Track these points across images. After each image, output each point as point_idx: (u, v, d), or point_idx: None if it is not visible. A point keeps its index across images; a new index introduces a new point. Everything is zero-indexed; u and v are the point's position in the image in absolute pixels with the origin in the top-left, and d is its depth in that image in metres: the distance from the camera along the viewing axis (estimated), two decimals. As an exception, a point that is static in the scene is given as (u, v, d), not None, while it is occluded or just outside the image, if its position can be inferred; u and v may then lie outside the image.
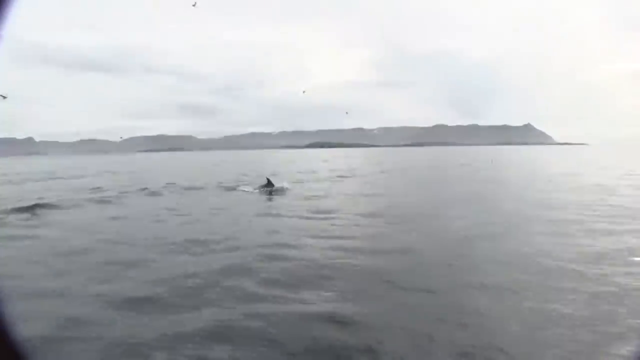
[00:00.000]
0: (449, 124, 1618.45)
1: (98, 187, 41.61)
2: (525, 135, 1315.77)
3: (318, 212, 24.74)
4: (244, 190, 36.39)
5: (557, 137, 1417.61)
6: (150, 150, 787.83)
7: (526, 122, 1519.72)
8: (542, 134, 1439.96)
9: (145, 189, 38.65)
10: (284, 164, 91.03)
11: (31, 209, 26.76)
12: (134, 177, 58.96)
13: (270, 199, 31.86)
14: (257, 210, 26.20)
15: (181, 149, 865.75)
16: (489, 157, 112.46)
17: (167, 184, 43.86)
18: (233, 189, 38.23)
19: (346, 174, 56.79)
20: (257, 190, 35.48)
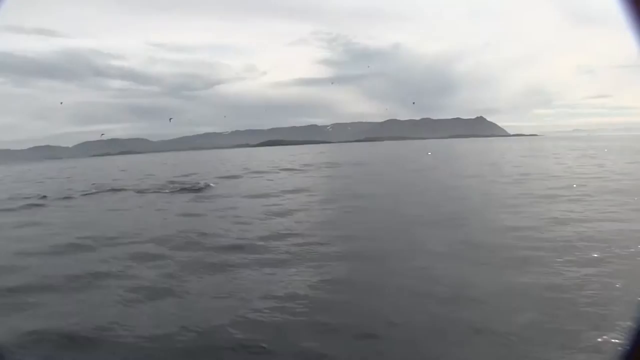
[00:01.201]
0: (402, 119, 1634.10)
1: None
2: (478, 128, 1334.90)
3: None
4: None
5: (509, 130, 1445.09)
6: (104, 155, 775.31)
7: (478, 115, 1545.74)
8: (494, 126, 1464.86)
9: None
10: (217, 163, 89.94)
11: None
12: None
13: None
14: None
15: (135, 152, 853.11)
16: (430, 150, 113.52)
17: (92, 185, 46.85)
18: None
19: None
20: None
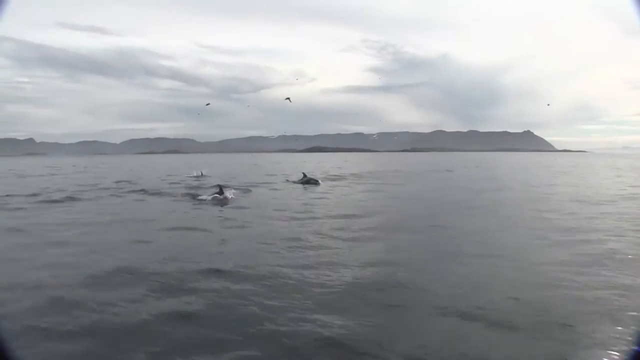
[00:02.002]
0: (448, 130, 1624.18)
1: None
2: (525, 142, 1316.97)
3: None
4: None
5: (556, 145, 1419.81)
6: (149, 153, 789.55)
7: (526, 129, 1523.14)
8: (542, 140, 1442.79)
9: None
10: (262, 168, 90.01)
11: None
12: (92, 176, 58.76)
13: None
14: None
15: (180, 152, 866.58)
16: (475, 163, 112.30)
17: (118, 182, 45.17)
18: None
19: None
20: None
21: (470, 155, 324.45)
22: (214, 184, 35.33)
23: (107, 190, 36.87)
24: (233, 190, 31.31)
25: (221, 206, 26.09)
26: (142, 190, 35.84)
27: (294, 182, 42.26)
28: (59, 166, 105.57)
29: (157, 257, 13.58)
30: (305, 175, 42.08)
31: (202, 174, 51.88)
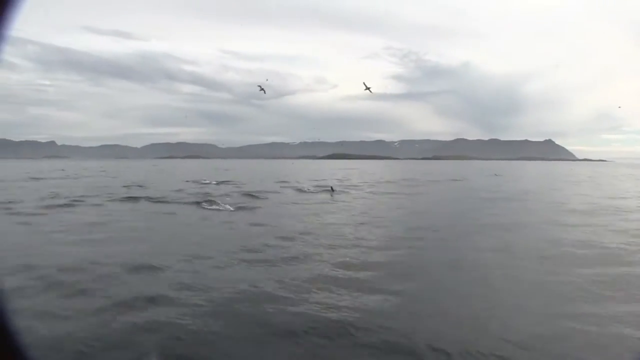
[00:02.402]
0: (469, 138, 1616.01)
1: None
2: (546, 151, 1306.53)
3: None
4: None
5: (577, 154, 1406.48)
6: (170, 157, 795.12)
7: (547, 138, 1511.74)
8: (563, 150, 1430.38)
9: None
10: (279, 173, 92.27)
11: None
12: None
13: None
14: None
15: (201, 157, 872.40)
16: (495, 171, 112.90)
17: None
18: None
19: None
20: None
21: (490, 163, 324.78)
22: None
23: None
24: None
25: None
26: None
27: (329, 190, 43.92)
28: (74, 169, 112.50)
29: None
30: (332, 189, 44.33)
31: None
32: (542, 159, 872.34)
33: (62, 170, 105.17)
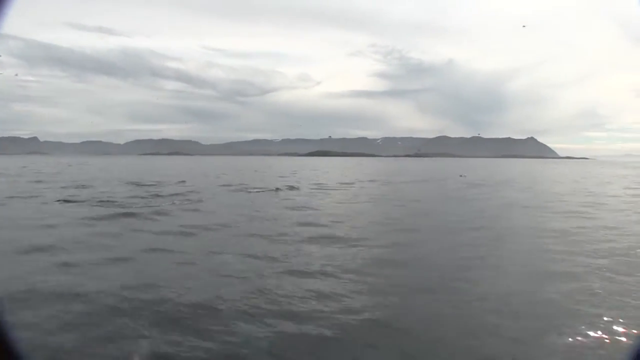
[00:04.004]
0: (452, 135, 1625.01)
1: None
2: (528, 148, 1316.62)
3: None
4: None
5: (560, 152, 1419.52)
6: (154, 154, 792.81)
7: (529, 136, 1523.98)
8: (545, 147, 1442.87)
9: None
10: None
11: None
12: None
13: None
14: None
15: (184, 154, 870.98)
16: (461, 172, 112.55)
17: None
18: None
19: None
20: None
21: (470, 161, 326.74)
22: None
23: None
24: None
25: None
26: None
27: None
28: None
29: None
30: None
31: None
32: (524, 156, 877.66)
33: (24, 167, 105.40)
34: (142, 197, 36.06)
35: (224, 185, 50.68)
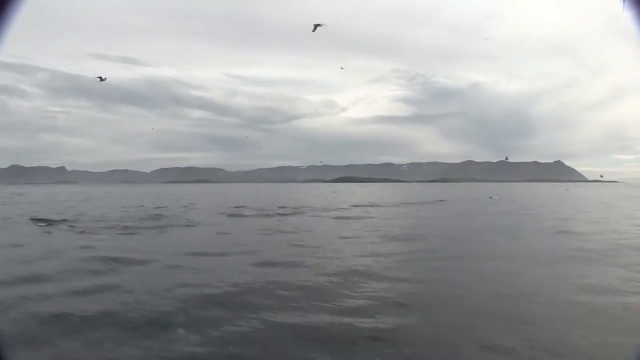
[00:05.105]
0: (478, 160, 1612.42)
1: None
2: (555, 172, 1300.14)
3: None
4: None
5: (587, 175, 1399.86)
6: (179, 182, 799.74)
7: (556, 159, 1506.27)
8: (572, 171, 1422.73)
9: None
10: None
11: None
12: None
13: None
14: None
15: (209, 181, 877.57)
16: (491, 194, 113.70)
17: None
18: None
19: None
20: None
21: (495, 185, 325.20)
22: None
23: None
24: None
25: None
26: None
27: None
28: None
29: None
30: None
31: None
32: (551, 180, 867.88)
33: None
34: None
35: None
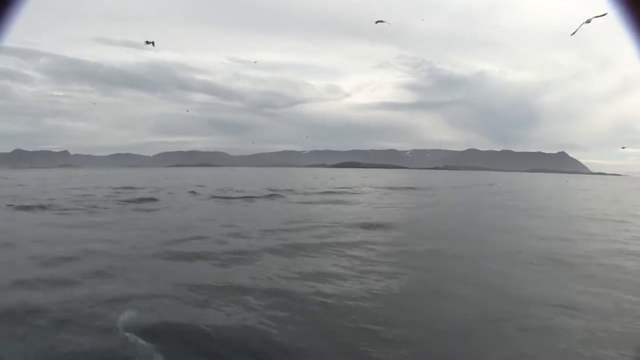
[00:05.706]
0: (481, 149, 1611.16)
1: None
2: (559, 163, 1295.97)
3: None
4: None
5: (592, 167, 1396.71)
6: (182, 165, 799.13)
7: (560, 150, 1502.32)
8: (576, 162, 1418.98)
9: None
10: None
11: None
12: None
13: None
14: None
15: (212, 165, 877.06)
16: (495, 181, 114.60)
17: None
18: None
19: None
20: None
21: (498, 175, 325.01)
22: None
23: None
24: None
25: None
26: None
27: None
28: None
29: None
30: None
31: None
32: (555, 171, 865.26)
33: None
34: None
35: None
